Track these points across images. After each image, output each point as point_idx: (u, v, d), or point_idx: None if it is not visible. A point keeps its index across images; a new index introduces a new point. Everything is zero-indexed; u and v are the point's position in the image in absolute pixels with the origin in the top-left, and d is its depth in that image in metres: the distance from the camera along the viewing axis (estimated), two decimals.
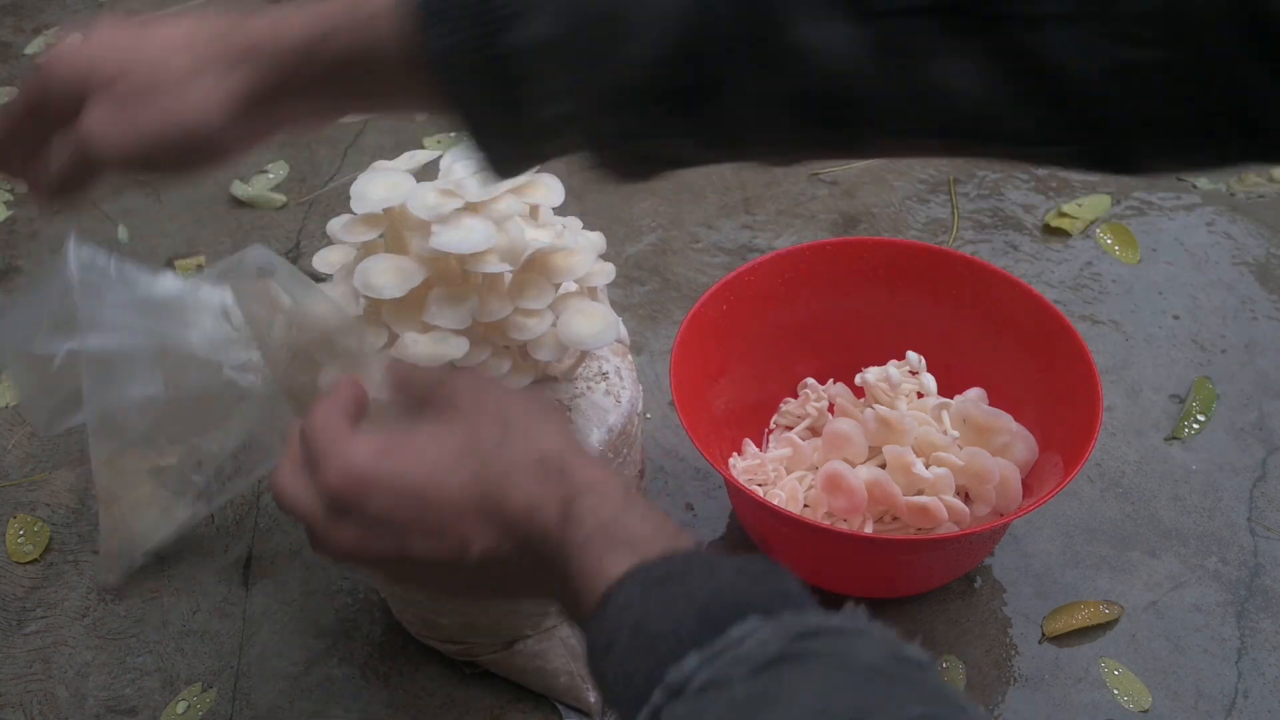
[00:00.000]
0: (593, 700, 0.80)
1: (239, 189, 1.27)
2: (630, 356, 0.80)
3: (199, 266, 1.17)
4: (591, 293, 0.73)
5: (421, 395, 0.53)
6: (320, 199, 1.26)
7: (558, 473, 0.47)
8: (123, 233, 1.22)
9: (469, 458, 0.48)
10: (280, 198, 1.26)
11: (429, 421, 0.51)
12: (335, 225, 0.71)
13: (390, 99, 0.52)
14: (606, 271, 0.73)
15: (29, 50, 1.52)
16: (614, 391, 0.76)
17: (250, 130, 0.52)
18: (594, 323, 0.69)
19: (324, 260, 0.71)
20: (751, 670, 0.38)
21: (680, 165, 0.51)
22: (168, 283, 0.80)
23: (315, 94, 0.51)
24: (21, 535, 0.93)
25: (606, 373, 0.77)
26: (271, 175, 1.29)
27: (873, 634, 0.41)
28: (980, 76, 0.42)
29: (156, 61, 0.51)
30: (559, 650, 0.79)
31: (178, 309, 0.79)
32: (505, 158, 0.50)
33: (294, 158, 1.32)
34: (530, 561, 0.48)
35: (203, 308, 0.81)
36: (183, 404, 0.83)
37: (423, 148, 1.32)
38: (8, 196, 1.28)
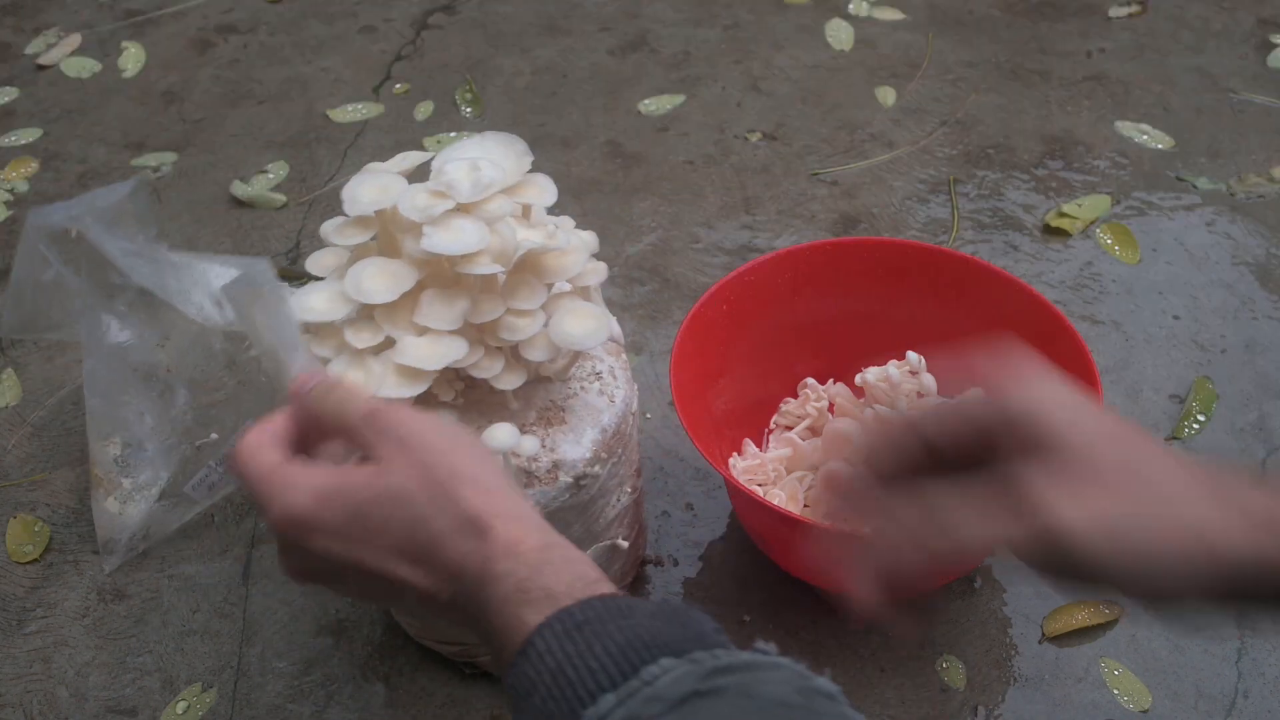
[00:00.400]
0: None
1: (239, 189, 1.27)
2: (625, 356, 0.80)
3: None
4: (584, 292, 0.73)
5: (348, 433, 0.54)
6: (320, 199, 1.26)
7: (479, 535, 0.48)
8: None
9: (401, 512, 0.49)
10: (280, 198, 1.26)
11: (361, 466, 0.52)
12: (328, 228, 0.71)
13: None
14: (599, 271, 0.73)
15: (29, 50, 1.52)
16: (608, 391, 0.76)
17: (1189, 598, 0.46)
18: (585, 323, 0.69)
19: (317, 263, 0.71)
20: (666, 707, 0.40)
21: None
22: (177, 256, 0.82)
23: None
24: (22, 535, 0.94)
25: (600, 372, 0.77)
26: (271, 175, 1.29)
27: (783, 668, 0.43)
28: None
29: (1155, 468, 0.46)
30: None
31: (183, 278, 0.80)
32: None
33: (294, 158, 1.32)
34: (459, 614, 0.50)
35: (201, 286, 0.82)
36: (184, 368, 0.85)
37: (422, 148, 1.33)
38: (8, 197, 1.29)
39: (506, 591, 0.47)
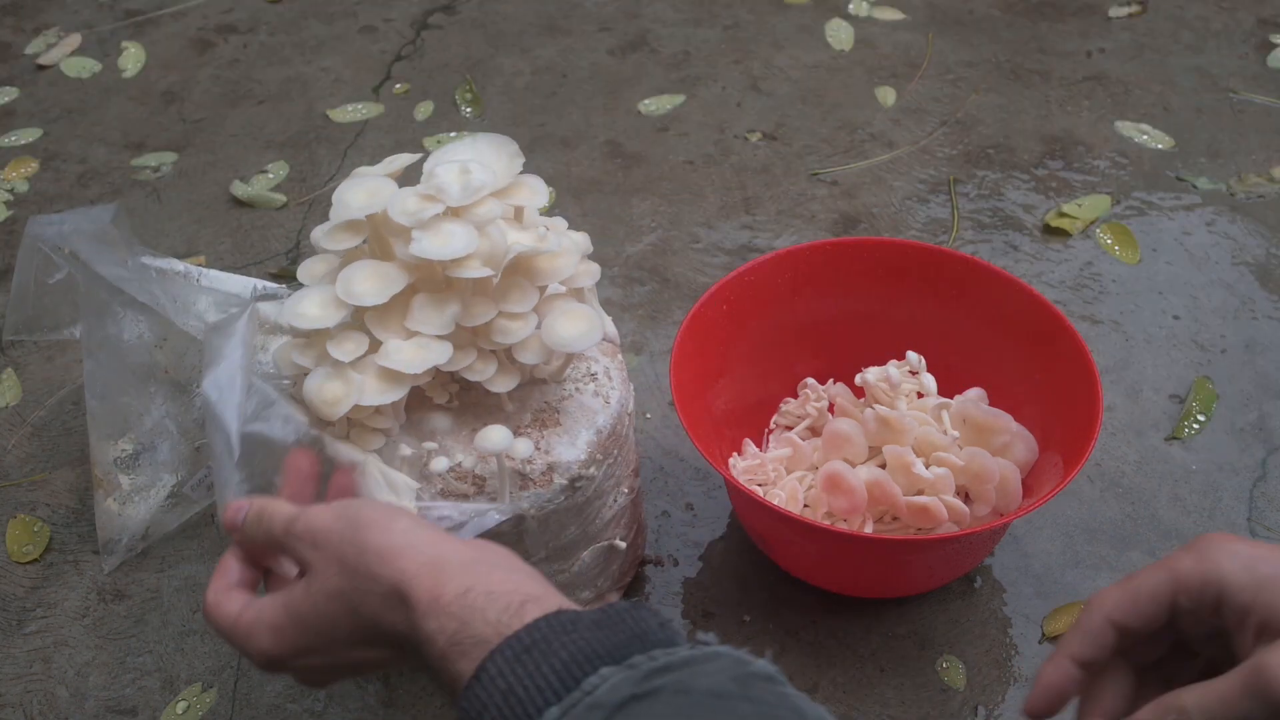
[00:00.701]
0: None
1: (239, 189, 1.27)
2: (620, 356, 0.80)
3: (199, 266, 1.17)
4: (578, 294, 0.73)
5: (279, 550, 0.57)
6: (320, 199, 1.26)
7: (402, 603, 0.51)
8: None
9: (339, 607, 0.53)
10: (280, 197, 1.26)
11: (299, 580, 0.56)
12: (318, 233, 0.70)
13: None
14: (592, 273, 0.73)
15: (29, 50, 1.52)
16: (603, 392, 0.76)
17: None
18: (578, 325, 0.69)
19: (307, 272, 0.71)
20: (606, 713, 0.42)
21: None
22: (170, 269, 0.83)
23: None
24: (22, 535, 0.93)
25: (595, 374, 0.77)
26: (271, 175, 1.29)
27: (721, 658, 0.45)
28: None
29: None
30: None
31: (177, 296, 0.81)
32: None
33: (294, 158, 1.32)
34: (424, 670, 0.52)
35: (193, 310, 0.82)
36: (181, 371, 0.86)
37: (422, 148, 1.33)
38: (8, 197, 1.29)
39: (442, 648, 0.49)
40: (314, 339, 0.68)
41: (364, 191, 0.69)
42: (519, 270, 0.69)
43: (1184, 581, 0.49)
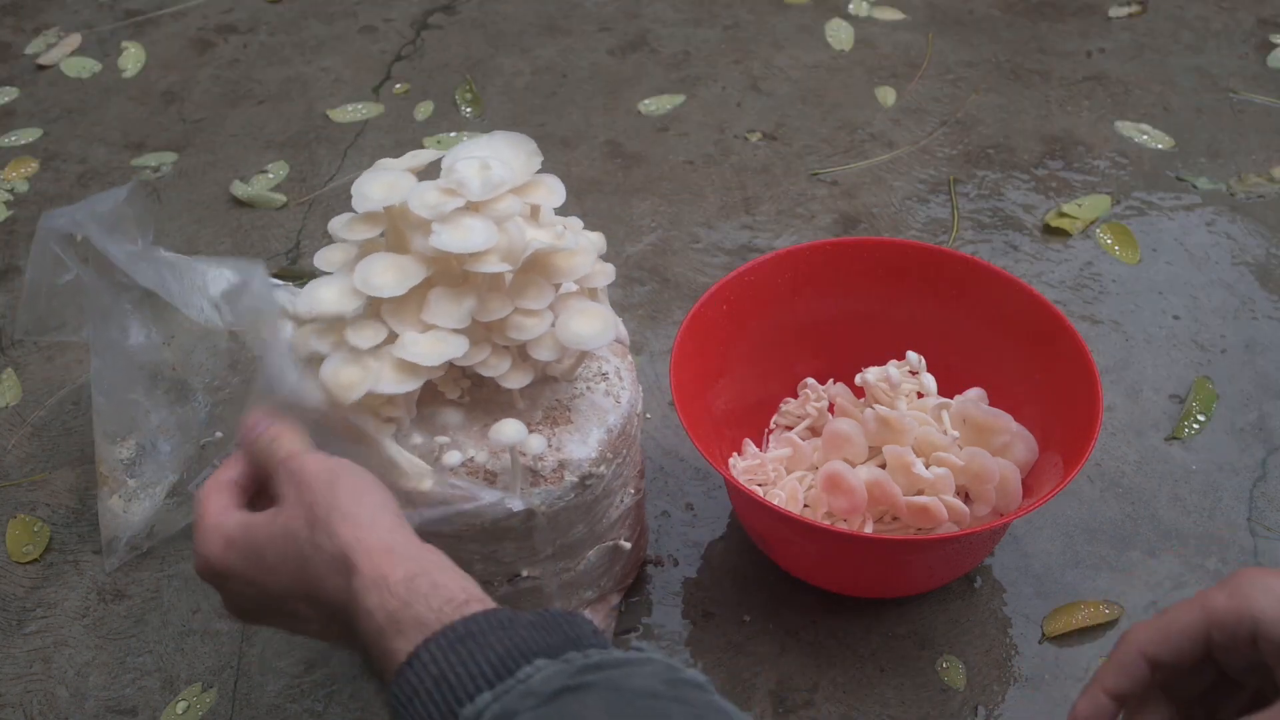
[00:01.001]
0: None
1: (239, 189, 1.27)
2: (630, 357, 0.80)
3: None
4: (592, 293, 0.73)
5: (272, 475, 0.58)
6: (320, 199, 1.26)
7: (347, 571, 0.51)
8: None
9: (291, 551, 0.54)
10: (280, 198, 1.26)
11: (267, 510, 0.57)
12: (336, 223, 0.71)
13: None
14: (607, 272, 0.73)
15: (29, 50, 1.52)
16: (613, 392, 0.76)
17: None
18: (593, 323, 0.69)
19: (325, 259, 0.71)
20: (539, 701, 0.44)
21: None
22: (176, 258, 0.83)
23: None
24: (22, 535, 0.93)
25: (606, 373, 0.77)
26: (271, 175, 1.29)
27: (653, 662, 0.46)
28: None
29: None
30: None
31: (183, 281, 0.81)
32: None
33: (294, 158, 1.32)
34: (351, 646, 0.54)
35: (199, 289, 0.82)
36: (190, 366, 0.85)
37: (422, 148, 1.32)
38: (8, 197, 1.29)
39: (380, 624, 0.49)
40: (332, 325, 0.68)
41: (383, 184, 0.69)
42: (536, 267, 0.70)
43: (1217, 618, 0.50)
